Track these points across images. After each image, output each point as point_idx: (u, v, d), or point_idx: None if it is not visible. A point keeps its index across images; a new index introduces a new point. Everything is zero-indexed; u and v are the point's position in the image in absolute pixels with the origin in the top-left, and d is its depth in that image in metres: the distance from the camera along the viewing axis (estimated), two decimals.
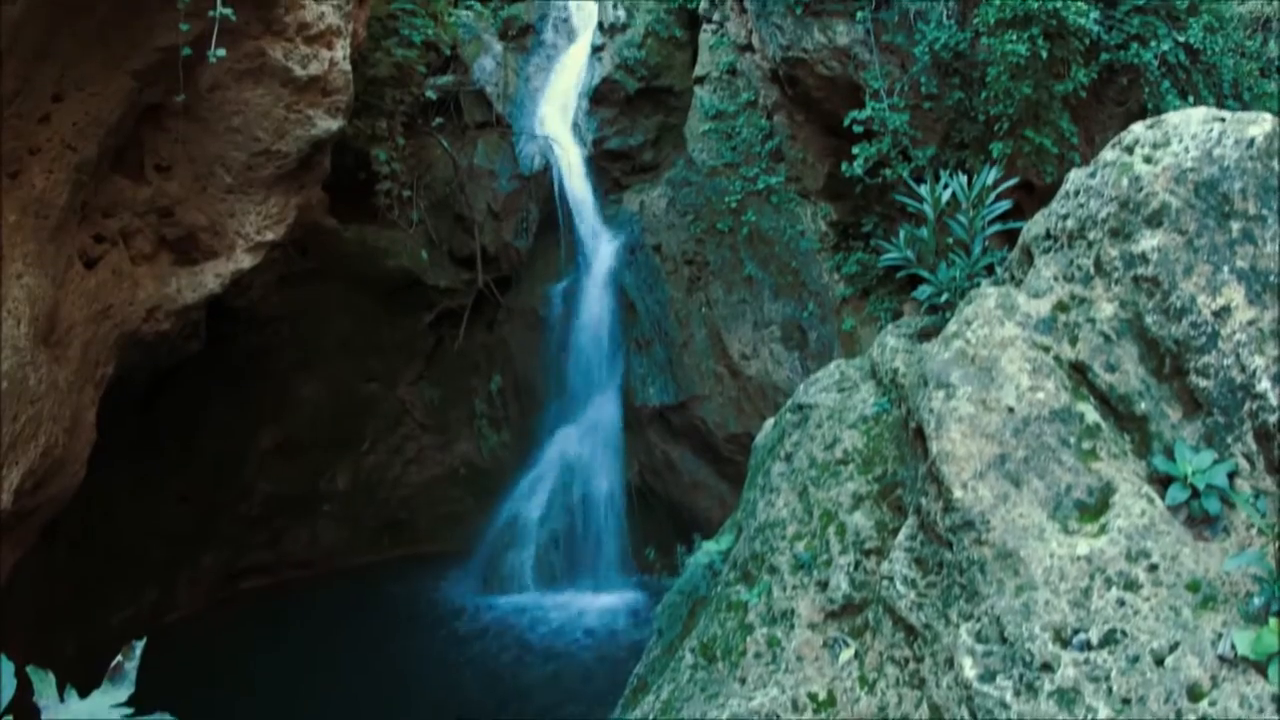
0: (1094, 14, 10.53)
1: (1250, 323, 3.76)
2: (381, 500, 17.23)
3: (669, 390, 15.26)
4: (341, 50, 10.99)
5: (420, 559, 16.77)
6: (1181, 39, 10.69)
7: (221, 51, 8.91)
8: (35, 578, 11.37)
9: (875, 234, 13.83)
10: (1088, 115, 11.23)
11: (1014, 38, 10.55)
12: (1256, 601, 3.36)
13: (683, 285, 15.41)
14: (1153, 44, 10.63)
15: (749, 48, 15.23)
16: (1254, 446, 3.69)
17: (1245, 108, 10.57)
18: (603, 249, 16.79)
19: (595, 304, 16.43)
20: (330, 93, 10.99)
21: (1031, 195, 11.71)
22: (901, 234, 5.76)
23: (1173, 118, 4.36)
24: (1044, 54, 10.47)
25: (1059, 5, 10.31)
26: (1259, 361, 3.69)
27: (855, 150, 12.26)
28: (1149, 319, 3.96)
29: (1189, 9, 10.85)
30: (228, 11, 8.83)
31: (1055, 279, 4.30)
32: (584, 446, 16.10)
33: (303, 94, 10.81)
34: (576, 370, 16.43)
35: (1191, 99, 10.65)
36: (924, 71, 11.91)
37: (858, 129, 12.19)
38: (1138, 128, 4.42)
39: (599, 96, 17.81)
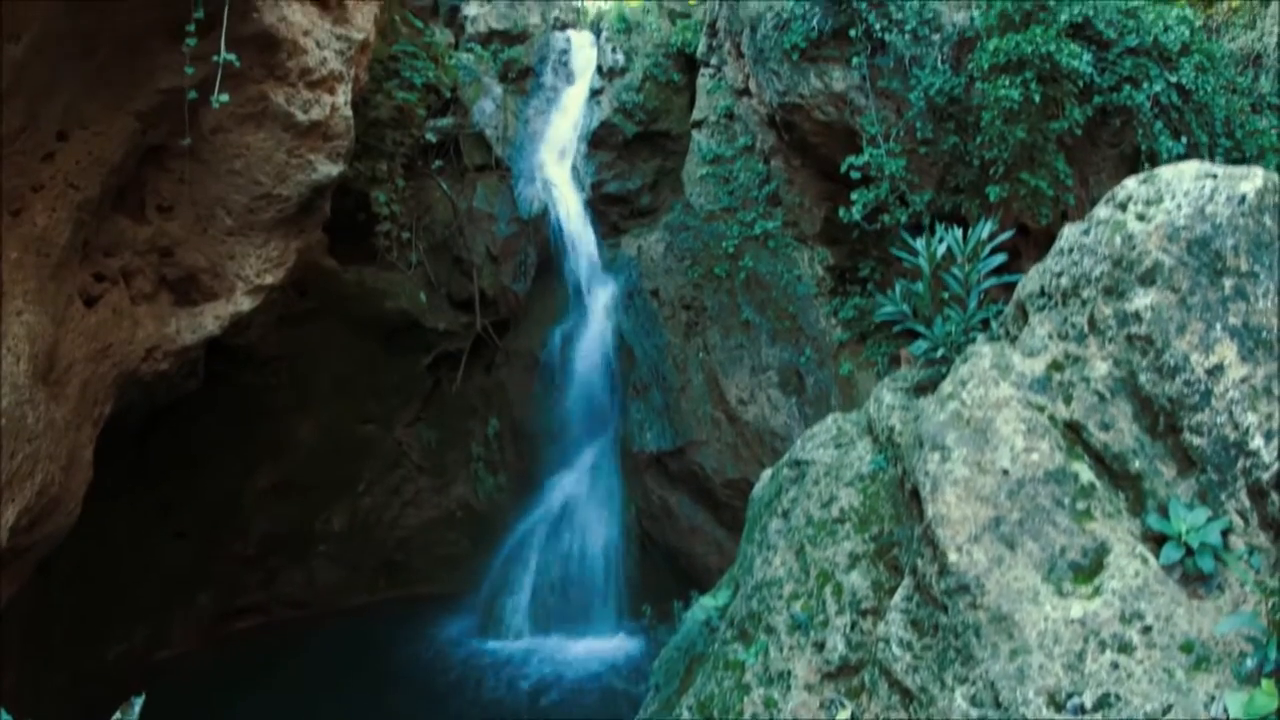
0: (1087, 57, 10.60)
1: (1243, 380, 3.77)
2: (378, 542, 17.15)
3: (666, 435, 15.24)
4: (343, 96, 11.07)
5: (416, 601, 16.68)
6: (1173, 79, 10.77)
7: (225, 97, 8.98)
8: (29, 610, 11.32)
9: (872, 278, 13.87)
10: (1082, 157, 11.29)
11: (1007, 82, 10.62)
12: (1249, 663, 3.35)
13: (680, 330, 15.43)
14: (1145, 85, 10.71)
15: (746, 92, 15.33)
16: (1247, 503, 3.70)
17: (1237, 145, 10.66)
18: (600, 293, 16.84)
19: (593, 348, 16.45)
20: (331, 138, 11.06)
21: (1027, 238, 11.77)
22: (897, 288, 5.78)
23: (1166, 172, 4.38)
24: (1037, 98, 10.54)
25: (1052, 49, 10.39)
26: (1252, 419, 3.70)
27: (853, 196, 12.32)
28: (1143, 377, 3.97)
29: (1180, 50, 10.93)
30: (231, 57, 8.90)
31: (1050, 337, 4.32)
32: (581, 491, 16.06)
33: (304, 139, 10.87)
34: (574, 415, 16.41)
35: (1184, 139, 10.72)
36: (919, 116, 11.98)
37: (855, 174, 12.24)
38: (1131, 183, 4.44)
39: (597, 140, 17.92)
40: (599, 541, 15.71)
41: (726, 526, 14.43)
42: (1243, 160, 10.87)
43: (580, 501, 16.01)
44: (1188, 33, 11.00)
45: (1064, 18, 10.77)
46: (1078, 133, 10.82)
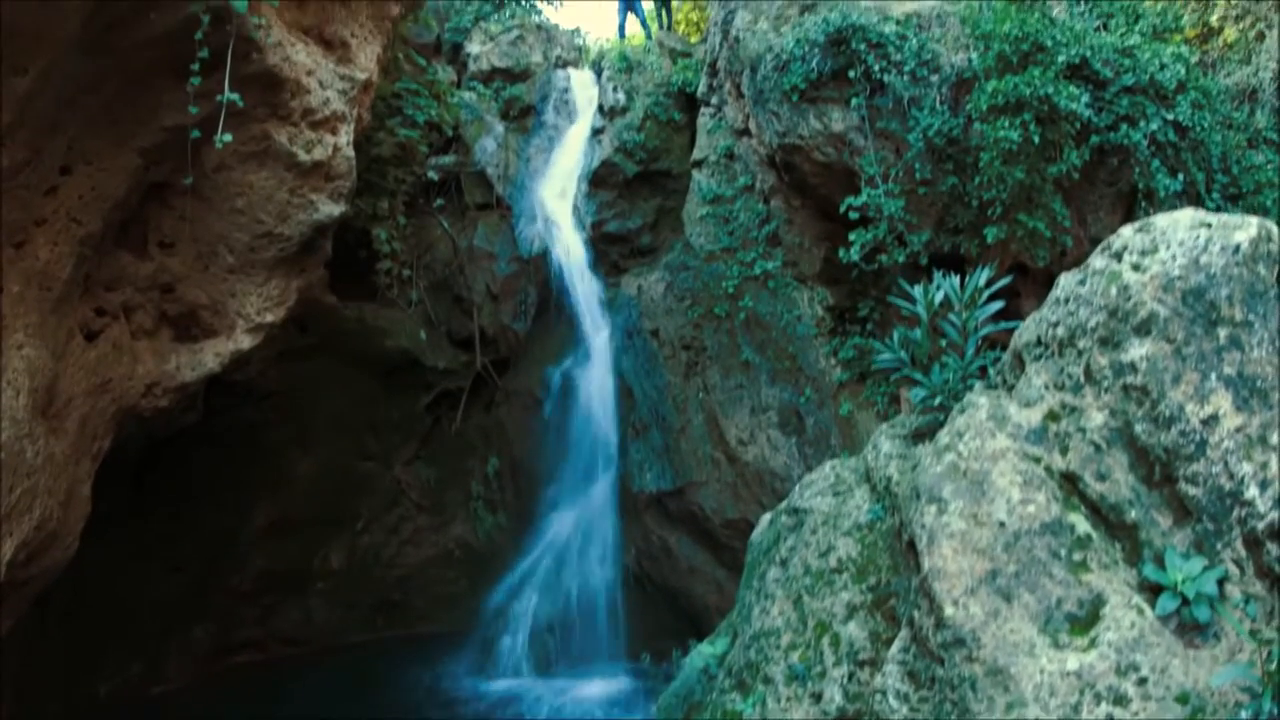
0: (1084, 98, 10.69)
1: (1238, 429, 3.79)
2: (376, 579, 17.09)
3: (666, 476, 15.20)
4: (345, 136, 11.12)
5: (414, 640, 16.59)
6: (1170, 117, 10.82)
7: (228, 136, 9.02)
8: (25, 643, 11.29)
9: (872, 318, 13.90)
10: (1079, 196, 11.36)
11: (1006, 124, 10.71)
12: (1245, 714, 3.35)
13: (680, 370, 15.44)
14: (1142, 124, 10.77)
15: (746, 132, 15.42)
16: (1243, 552, 3.71)
17: (1234, 181, 10.72)
18: (600, 333, 16.87)
19: (593, 388, 16.46)
20: (333, 178, 11.10)
21: (1025, 276, 11.82)
22: (895, 335, 5.80)
23: (1161, 221, 4.42)
24: (1036, 139, 10.62)
25: (1050, 91, 10.48)
26: (1247, 468, 3.72)
27: (851, 237, 12.37)
28: (1138, 427, 3.98)
29: (1177, 87, 10.99)
30: (234, 97, 8.95)
31: (1046, 387, 4.34)
32: (580, 531, 16.01)
33: (306, 178, 10.91)
34: (573, 454, 16.38)
35: (1181, 176, 10.78)
36: (918, 157, 12.04)
37: (853, 215, 12.30)
38: (1127, 231, 4.47)
39: (598, 179, 17.99)
40: (598, 581, 15.65)
41: (726, 567, 14.38)
42: (1240, 196, 10.94)
43: (579, 541, 15.96)
44: (1184, 70, 11.08)
45: (1061, 59, 10.87)
46: (1075, 175, 10.88)
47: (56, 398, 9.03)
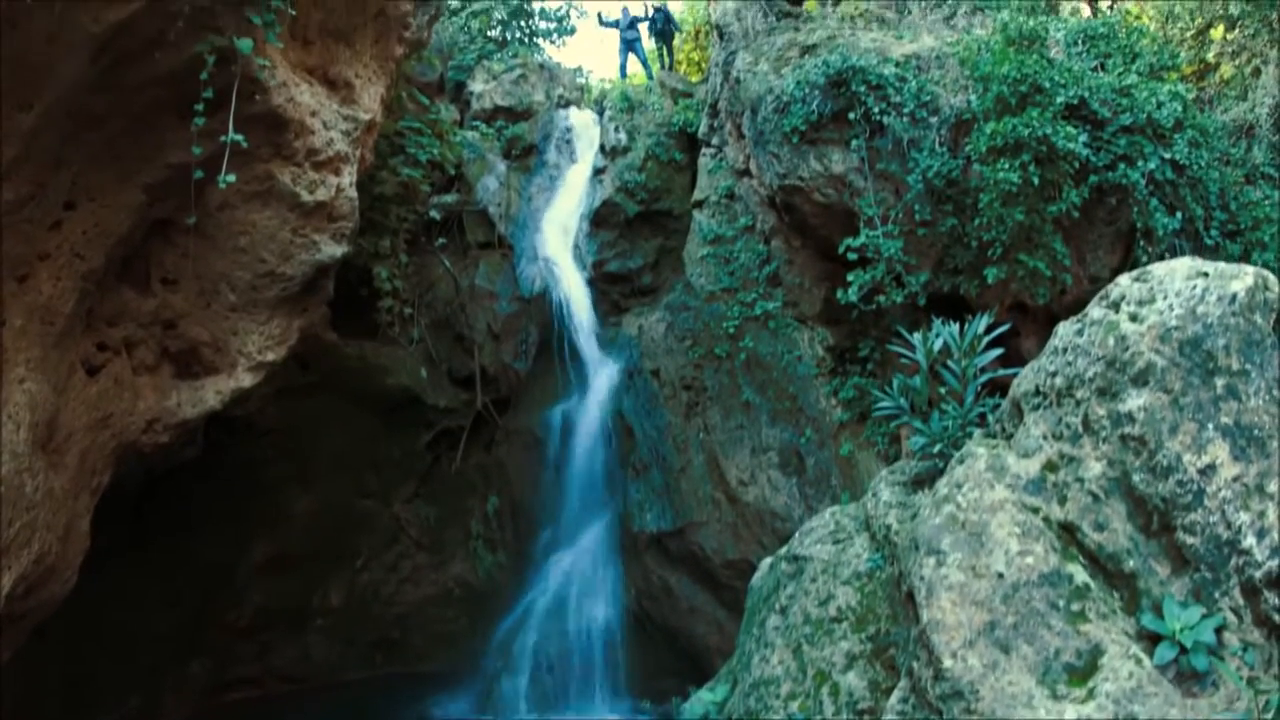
0: (1083, 138, 10.76)
1: (1235, 479, 3.81)
2: (375, 617, 17.01)
3: (666, 516, 15.18)
4: (349, 177, 11.17)
5: (413, 678, 16.50)
6: (1168, 155, 10.91)
7: (231, 177, 9.05)
8: (22, 676, 11.23)
9: (872, 358, 13.93)
10: (1079, 236, 11.40)
11: (1005, 165, 10.76)
12: None
13: (681, 410, 15.46)
14: (1140, 163, 10.85)
15: (747, 173, 15.51)
16: (1241, 600, 3.72)
17: (1232, 217, 10.77)
18: (601, 372, 16.89)
19: (593, 428, 16.46)
20: (336, 218, 11.15)
21: (1025, 315, 11.85)
22: (895, 383, 5.82)
23: (1158, 270, 4.45)
24: (1035, 180, 10.68)
25: (1048, 131, 10.54)
26: (1244, 518, 3.73)
27: (850, 277, 12.41)
28: (1136, 477, 4.00)
29: (1174, 126, 11.08)
30: (239, 137, 8.99)
31: (1044, 437, 4.36)
32: (580, 570, 15.96)
33: (309, 219, 10.95)
34: (574, 494, 16.36)
35: (1179, 214, 10.84)
36: (918, 199, 12.10)
37: (853, 256, 12.35)
38: (1124, 281, 4.50)
39: (599, 219, 18.09)
40: (598, 621, 15.58)
41: (727, 607, 14.33)
42: (1238, 232, 10.99)
43: (579, 581, 15.90)
44: (1181, 108, 11.17)
45: (1060, 100, 10.95)
46: (1075, 214, 10.93)
47: (57, 432, 9.03)
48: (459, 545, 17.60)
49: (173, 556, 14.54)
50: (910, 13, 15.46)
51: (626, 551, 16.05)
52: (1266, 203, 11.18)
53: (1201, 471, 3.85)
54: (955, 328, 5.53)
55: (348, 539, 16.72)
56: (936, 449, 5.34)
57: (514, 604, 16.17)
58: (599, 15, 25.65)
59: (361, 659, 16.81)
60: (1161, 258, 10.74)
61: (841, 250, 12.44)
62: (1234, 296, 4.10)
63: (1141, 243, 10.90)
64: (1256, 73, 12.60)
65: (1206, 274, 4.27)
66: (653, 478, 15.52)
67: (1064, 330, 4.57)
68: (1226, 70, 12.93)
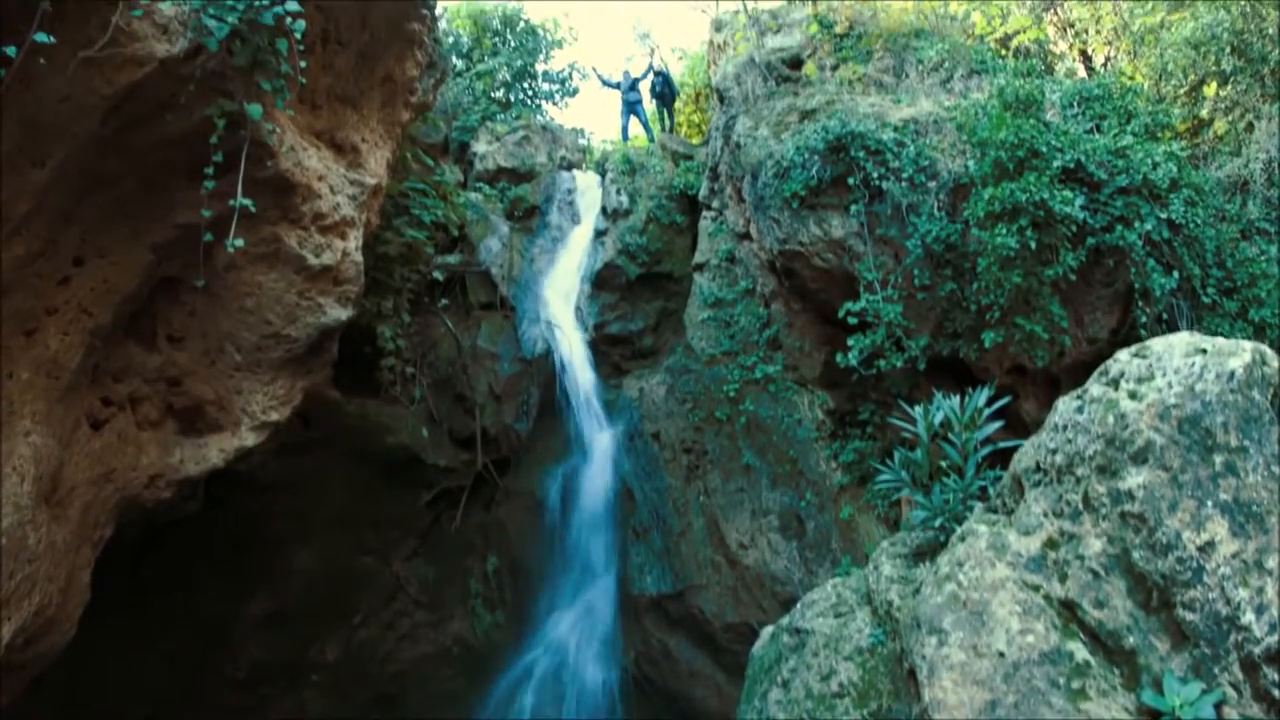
0: (1079, 201, 10.86)
1: (1234, 555, 3.84)
2: (372, 674, 16.88)
3: (666, 579, 15.14)
4: (354, 241, 11.27)
5: None
6: (1164, 216, 11.00)
7: (239, 241, 9.11)
8: None
9: (872, 421, 13.97)
10: (1076, 298, 11.45)
11: (1003, 230, 10.85)
12: None
13: (681, 473, 15.47)
14: (1136, 224, 10.95)
15: (747, 236, 15.63)
16: (1240, 676, 3.74)
17: (1229, 275, 10.84)
18: (602, 435, 16.94)
19: (593, 490, 16.46)
20: (341, 282, 11.23)
21: (1024, 377, 11.90)
22: (896, 456, 5.86)
23: (1157, 345, 4.50)
24: (1032, 244, 10.77)
25: (1045, 196, 10.65)
26: (1243, 594, 3.76)
27: (850, 342, 12.47)
28: (1136, 554, 4.03)
29: (1170, 186, 11.21)
30: (247, 202, 9.06)
31: (1045, 515, 4.40)
32: (579, 632, 15.89)
33: (315, 282, 11.03)
34: (573, 555, 16.34)
35: (1176, 273, 10.91)
36: (917, 263, 12.17)
37: (853, 320, 12.42)
38: (1124, 356, 4.56)
39: (601, 281, 18.22)
40: (597, 683, 15.48)
41: (727, 670, 14.25)
42: (1235, 289, 11.07)
43: (578, 643, 15.82)
44: (1176, 168, 11.29)
45: (1057, 164, 11.08)
46: (1072, 276, 11.00)
47: (60, 485, 9.05)
48: (458, 604, 17.52)
49: (171, 608, 14.47)
50: (908, 76, 15.66)
51: (626, 614, 15.98)
52: (1262, 258, 11.27)
53: (1201, 548, 3.89)
54: (956, 401, 5.59)
55: (346, 595, 16.64)
56: (938, 522, 5.37)
57: (512, 664, 16.08)
58: (600, 77, 25.97)
59: (358, 715, 16.65)
60: (1159, 318, 10.83)
61: (841, 314, 12.51)
62: (1232, 373, 4.15)
63: (1139, 303, 10.97)
64: (1250, 128, 12.74)
65: (1205, 350, 4.32)
66: (653, 540, 15.50)
67: (1064, 406, 4.62)
68: (1220, 126, 13.08)
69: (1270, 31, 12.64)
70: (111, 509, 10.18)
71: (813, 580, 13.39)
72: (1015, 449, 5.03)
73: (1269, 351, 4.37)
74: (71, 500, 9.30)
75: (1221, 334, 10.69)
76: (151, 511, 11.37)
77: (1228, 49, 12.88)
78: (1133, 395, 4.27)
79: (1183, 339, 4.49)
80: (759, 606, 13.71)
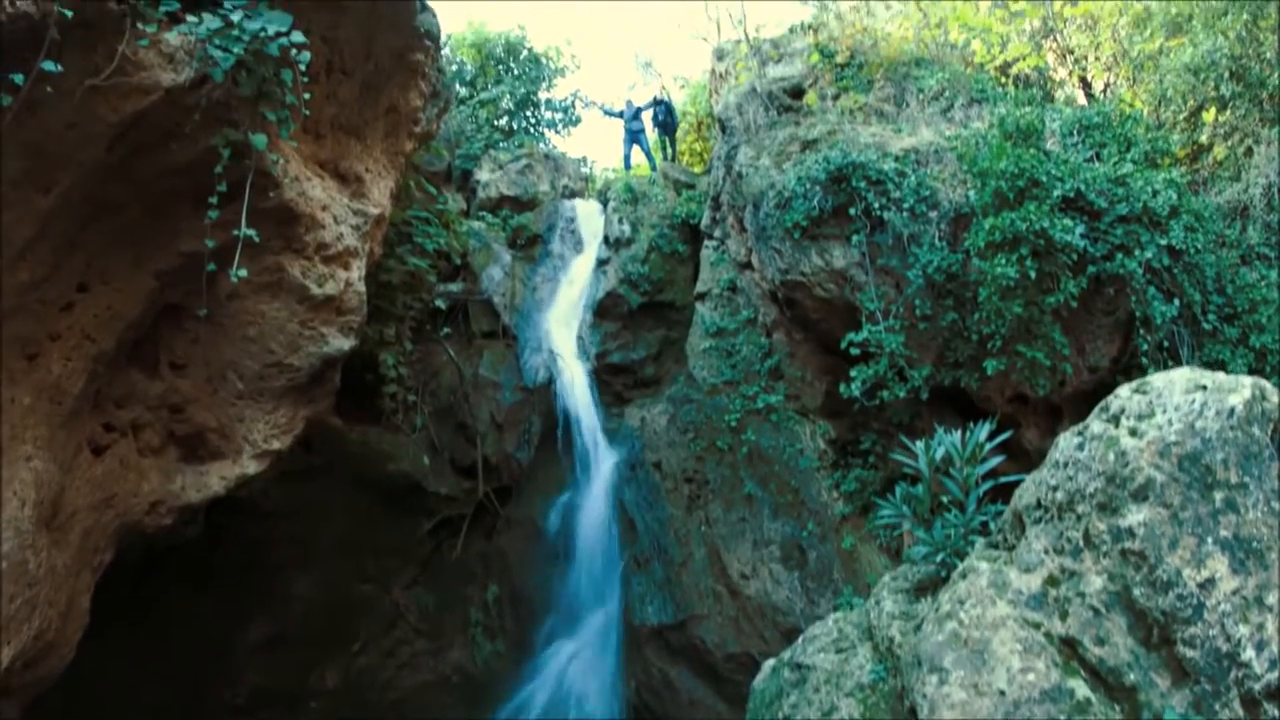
0: (1080, 229, 10.88)
1: (1234, 592, 3.85)
2: (371, 703, 16.80)
3: (667, 609, 15.10)
4: (357, 271, 11.31)
5: None
6: (1164, 242, 11.03)
7: (243, 272, 9.12)
8: None
9: (874, 451, 13.95)
10: (1078, 326, 11.45)
11: (1004, 260, 10.87)
12: None
13: (682, 503, 15.46)
14: (1137, 252, 10.97)
15: (749, 266, 15.66)
16: (1241, 712, 3.75)
17: (1229, 301, 10.85)
18: (603, 464, 16.92)
19: (594, 519, 16.44)
20: (344, 312, 11.25)
21: (1026, 406, 11.90)
22: (898, 491, 5.87)
23: (1157, 381, 4.52)
24: (1033, 273, 10.78)
25: (1046, 225, 10.67)
26: (1243, 631, 3.77)
27: (853, 373, 12.48)
28: (1137, 591, 4.04)
29: (1170, 213, 11.23)
30: (251, 232, 9.08)
31: (1046, 552, 4.40)
32: (580, 662, 15.82)
33: (317, 311, 11.06)
34: (574, 585, 16.29)
35: (1177, 300, 10.93)
36: (918, 293, 12.19)
37: (855, 350, 12.42)
38: (1124, 392, 4.57)
39: (603, 310, 18.25)
40: (598, 714, 15.41)
41: (728, 700, 14.18)
42: (1236, 315, 11.08)
43: (579, 672, 15.76)
44: (1175, 195, 11.33)
45: (1057, 193, 11.11)
46: (1073, 304, 11.01)
47: (61, 510, 9.05)
48: (458, 633, 17.47)
49: (170, 632, 14.43)
50: (908, 105, 15.71)
51: (627, 644, 15.92)
52: (1263, 284, 11.29)
53: (1201, 585, 3.90)
54: (957, 437, 5.60)
55: (346, 622, 16.59)
56: (939, 557, 5.37)
57: (512, 694, 16.00)
58: (602, 106, 26.08)
59: None
60: (1161, 345, 10.84)
61: (844, 345, 12.52)
62: (1232, 410, 4.17)
63: (1140, 331, 10.98)
64: (1249, 153, 12.78)
65: (1205, 386, 4.34)
66: (654, 570, 15.47)
67: (1065, 443, 4.63)
68: (1219, 151, 13.13)
69: (1268, 56, 12.71)
70: (112, 534, 10.18)
71: (814, 610, 13.35)
72: (1018, 483, 5.04)
73: (1269, 386, 4.38)
74: (72, 525, 9.31)
75: (1223, 360, 10.71)
76: (152, 537, 11.36)
77: (1226, 74, 12.95)
78: (1133, 432, 4.28)
79: (1183, 375, 4.50)
80: (760, 637, 13.67)
